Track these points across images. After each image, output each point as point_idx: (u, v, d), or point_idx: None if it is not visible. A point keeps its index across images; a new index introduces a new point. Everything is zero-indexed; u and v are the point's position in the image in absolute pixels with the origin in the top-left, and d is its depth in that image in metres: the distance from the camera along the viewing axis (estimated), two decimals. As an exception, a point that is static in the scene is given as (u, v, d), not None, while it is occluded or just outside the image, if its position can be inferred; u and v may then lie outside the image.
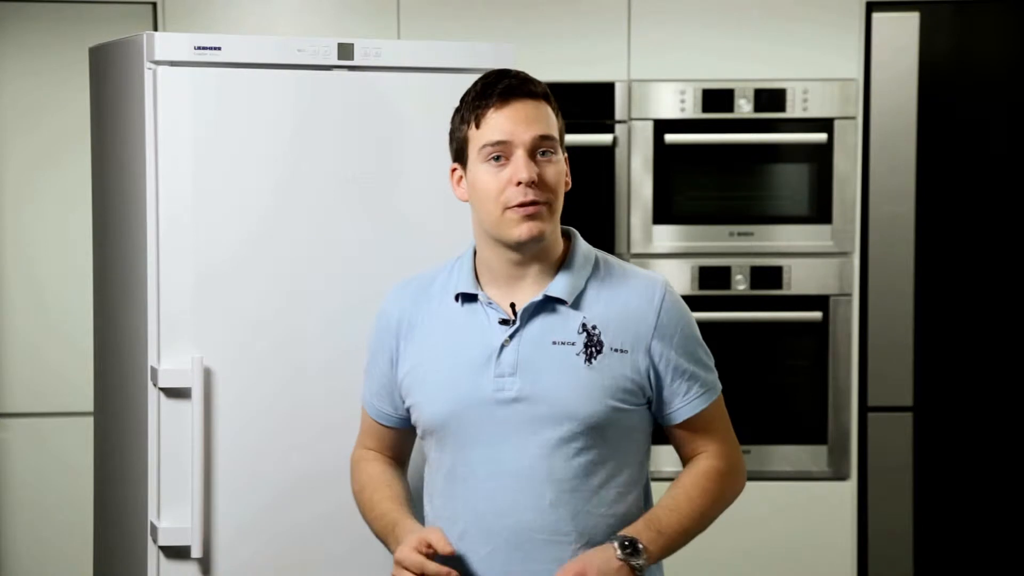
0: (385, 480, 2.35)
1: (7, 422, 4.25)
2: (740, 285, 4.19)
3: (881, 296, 4.22)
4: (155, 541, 2.81)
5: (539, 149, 2.17)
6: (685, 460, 2.30)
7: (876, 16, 4.17)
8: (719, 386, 2.29)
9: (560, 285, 2.21)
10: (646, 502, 2.28)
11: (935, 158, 4.20)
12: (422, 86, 2.90)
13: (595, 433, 2.18)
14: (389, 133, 2.89)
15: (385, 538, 2.29)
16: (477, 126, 2.18)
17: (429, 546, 2.14)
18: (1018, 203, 4.22)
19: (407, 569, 2.14)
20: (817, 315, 4.19)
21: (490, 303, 2.22)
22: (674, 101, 4.17)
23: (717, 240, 4.20)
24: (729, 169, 4.22)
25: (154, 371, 2.79)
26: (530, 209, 2.15)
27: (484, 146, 2.17)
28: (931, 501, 4.25)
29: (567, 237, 2.27)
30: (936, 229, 4.21)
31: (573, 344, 2.19)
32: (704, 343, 2.29)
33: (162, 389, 2.79)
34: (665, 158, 4.19)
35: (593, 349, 2.19)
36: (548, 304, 2.21)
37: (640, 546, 2.14)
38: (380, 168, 2.89)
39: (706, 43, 4.18)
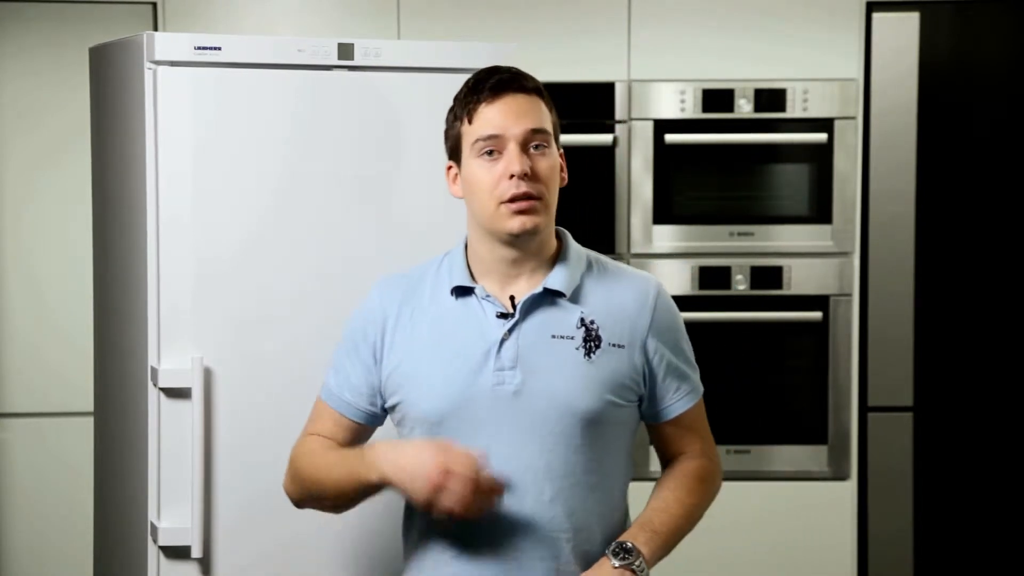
0: (332, 443, 2.29)
1: (7, 422, 4.25)
2: (740, 285, 4.19)
3: (881, 296, 4.21)
4: (155, 541, 2.81)
5: (532, 142, 2.18)
6: (667, 459, 2.32)
7: (876, 16, 4.17)
8: (702, 387, 2.32)
9: (558, 278, 2.21)
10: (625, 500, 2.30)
11: (935, 158, 4.20)
12: (422, 86, 2.90)
13: (592, 429, 2.18)
14: (389, 133, 2.89)
15: (354, 475, 2.18)
16: (469, 121, 2.19)
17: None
18: (1018, 203, 4.22)
19: (455, 474, 2.04)
20: (817, 315, 4.19)
21: (487, 296, 2.21)
22: (674, 101, 4.17)
23: (717, 240, 4.20)
24: (729, 169, 4.22)
25: (154, 371, 2.79)
26: (523, 204, 2.15)
27: (476, 140, 2.18)
28: (931, 501, 4.25)
29: (558, 237, 2.28)
30: (936, 229, 4.21)
31: (572, 338, 2.19)
32: (690, 344, 2.31)
33: (162, 389, 2.79)
34: (665, 158, 4.18)
35: (592, 344, 2.19)
36: (547, 297, 2.21)
37: (629, 545, 2.15)
38: (380, 168, 2.89)
39: (706, 43, 4.18)
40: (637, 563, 2.14)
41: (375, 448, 2.17)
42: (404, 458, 2.11)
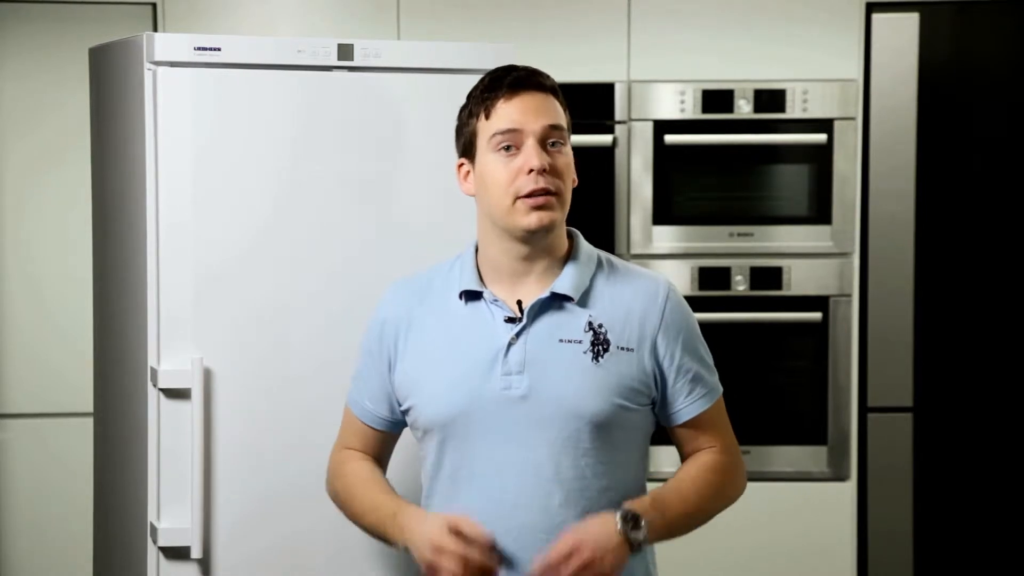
0: (374, 476, 2.32)
1: (7, 422, 4.25)
2: (740, 286, 4.19)
3: (881, 296, 4.22)
4: (155, 542, 2.81)
5: (549, 139, 2.18)
6: (686, 459, 2.29)
7: (876, 16, 4.17)
8: (720, 388, 2.29)
9: (566, 282, 2.20)
10: None
11: (935, 158, 4.20)
12: (422, 87, 2.90)
13: (601, 432, 2.17)
14: (389, 134, 2.89)
15: (382, 527, 2.23)
16: (487, 117, 2.19)
17: (459, 533, 2.09)
18: (1018, 203, 4.22)
19: (446, 553, 2.08)
20: (817, 315, 4.19)
21: (495, 300, 2.21)
22: (674, 101, 4.17)
23: (717, 241, 4.20)
24: (729, 170, 4.22)
25: (154, 372, 2.79)
26: (540, 200, 2.15)
27: (494, 135, 2.17)
28: (931, 501, 4.25)
29: (569, 237, 2.27)
30: (936, 229, 4.21)
31: (580, 342, 2.18)
32: (706, 345, 2.29)
33: (162, 390, 2.79)
34: (665, 159, 4.18)
35: (600, 347, 2.18)
36: (555, 301, 2.20)
37: (643, 522, 2.11)
38: (380, 168, 2.89)
39: (706, 43, 4.18)
40: (639, 538, 2.10)
41: (407, 513, 2.20)
42: (417, 534, 2.14)
